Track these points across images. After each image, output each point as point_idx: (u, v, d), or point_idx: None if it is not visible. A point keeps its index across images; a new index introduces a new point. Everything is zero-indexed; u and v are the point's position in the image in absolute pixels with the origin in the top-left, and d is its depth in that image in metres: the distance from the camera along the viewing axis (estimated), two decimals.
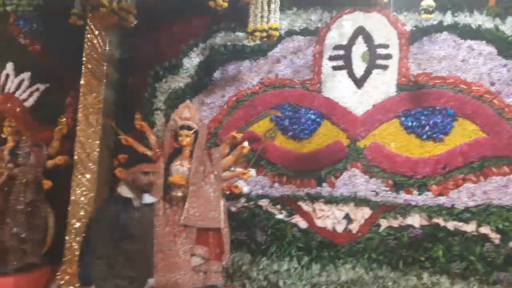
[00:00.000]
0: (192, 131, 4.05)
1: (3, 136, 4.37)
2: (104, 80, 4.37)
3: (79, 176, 4.28)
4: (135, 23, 4.38)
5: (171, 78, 4.64)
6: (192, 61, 4.61)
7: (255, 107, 4.39)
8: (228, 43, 4.50)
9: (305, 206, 4.17)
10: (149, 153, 4.24)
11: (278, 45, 4.38)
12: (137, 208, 2.83)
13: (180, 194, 3.89)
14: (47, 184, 4.25)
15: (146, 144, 4.34)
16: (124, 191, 2.85)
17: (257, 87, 4.42)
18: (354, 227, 4.05)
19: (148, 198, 2.97)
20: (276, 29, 3.46)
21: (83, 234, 2.94)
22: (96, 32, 4.35)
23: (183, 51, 4.61)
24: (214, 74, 4.56)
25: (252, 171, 4.14)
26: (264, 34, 3.46)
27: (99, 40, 4.36)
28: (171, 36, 4.65)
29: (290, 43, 4.37)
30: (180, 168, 3.99)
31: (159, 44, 4.67)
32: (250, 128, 4.38)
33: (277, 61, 4.41)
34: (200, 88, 4.58)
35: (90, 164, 4.27)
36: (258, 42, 3.80)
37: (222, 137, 4.40)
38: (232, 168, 4.09)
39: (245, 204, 4.29)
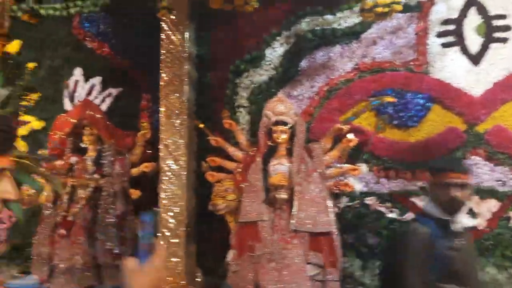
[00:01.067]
0: (288, 127, 3.71)
1: (82, 145, 4.05)
2: (186, 79, 4.02)
3: (167, 184, 3.95)
4: (256, 6, 3.42)
5: (253, 72, 4.27)
6: (275, 51, 4.22)
7: (352, 96, 3.97)
8: (316, 28, 4.09)
9: (420, 202, 3.73)
10: (239, 153, 3.94)
11: (373, 26, 3.96)
12: (457, 235, 2.12)
13: (284, 196, 3.53)
14: (135, 193, 3.93)
15: (233, 144, 4.03)
16: (431, 208, 2.16)
17: (352, 74, 4.00)
18: (480, 222, 3.60)
19: (466, 220, 2.26)
20: (398, 3, 3.03)
21: (382, 264, 2.26)
22: (174, 28, 4.00)
23: (265, 41, 4.23)
24: (301, 63, 4.16)
25: (363, 167, 3.71)
26: (386, 9, 3.03)
27: (178, 36, 4.00)
28: (250, 26, 4.28)
29: (387, 22, 3.90)
30: (280, 167, 3.64)
31: (238, 36, 4.31)
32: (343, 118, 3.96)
33: (372, 43, 3.97)
34: (285, 80, 4.19)
35: (178, 169, 3.93)
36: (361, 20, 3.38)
37: (315, 131, 4.01)
38: (337, 164, 3.70)
39: (349, 204, 3.90)
